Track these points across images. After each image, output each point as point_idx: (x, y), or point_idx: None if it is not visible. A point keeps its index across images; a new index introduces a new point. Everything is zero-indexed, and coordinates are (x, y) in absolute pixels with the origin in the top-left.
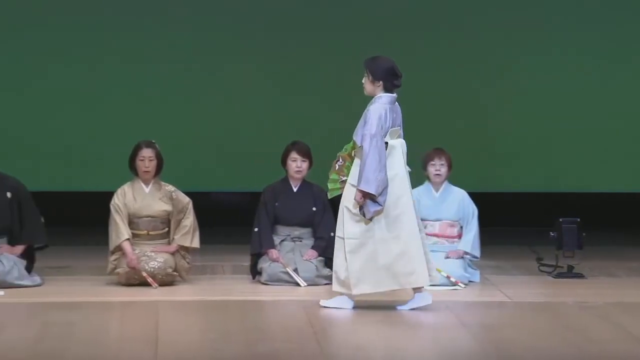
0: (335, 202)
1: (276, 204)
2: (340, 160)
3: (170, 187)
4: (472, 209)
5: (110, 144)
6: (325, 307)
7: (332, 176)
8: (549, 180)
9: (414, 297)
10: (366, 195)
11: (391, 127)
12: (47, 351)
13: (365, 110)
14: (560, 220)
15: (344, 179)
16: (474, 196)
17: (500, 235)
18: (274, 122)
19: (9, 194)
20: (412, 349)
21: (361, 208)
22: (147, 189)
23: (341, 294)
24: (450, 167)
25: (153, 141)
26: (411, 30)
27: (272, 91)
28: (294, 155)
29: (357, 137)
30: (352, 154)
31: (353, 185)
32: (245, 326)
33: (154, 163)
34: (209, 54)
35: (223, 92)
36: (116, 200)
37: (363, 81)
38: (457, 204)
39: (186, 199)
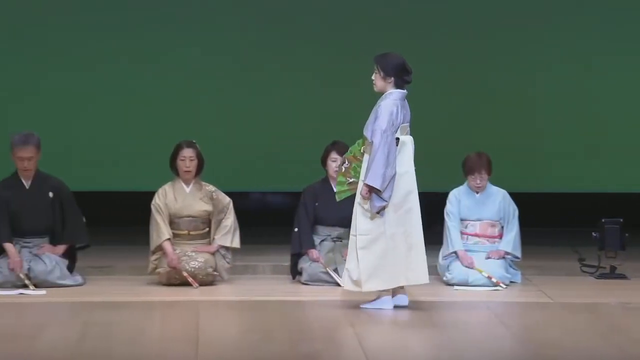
0: None
1: (316, 204)
2: (347, 162)
3: (211, 187)
4: (512, 209)
5: (151, 144)
6: (365, 309)
7: (339, 178)
8: (591, 180)
9: (381, 297)
10: (372, 190)
11: (401, 124)
12: (89, 351)
13: (376, 106)
14: (603, 220)
15: (350, 180)
16: (516, 196)
17: (541, 236)
18: (315, 122)
19: (51, 194)
20: (453, 350)
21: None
22: (187, 189)
23: (378, 296)
24: (490, 173)
25: (194, 141)
26: (459, 28)
27: (313, 91)
28: (333, 155)
29: (367, 133)
30: (362, 150)
31: (363, 182)
32: (286, 326)
33: (194, 163)
34: (247, 53)
35: (265, 91)
36: (157, 200)
37: (373, 77)
38: (497, 203)
39: (227, 199)
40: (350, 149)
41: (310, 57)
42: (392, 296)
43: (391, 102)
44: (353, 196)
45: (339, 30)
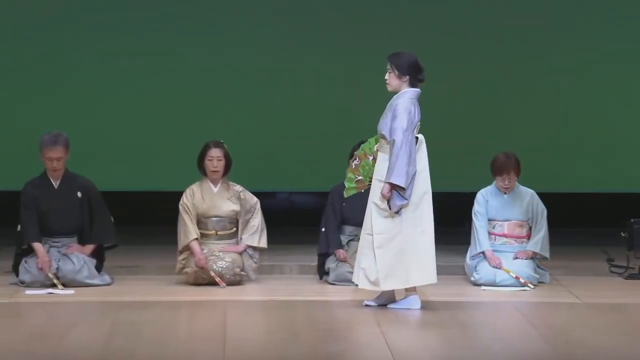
0: None
1: (343, 204)
2: (357, 159)
3: (239, 187)
4: (541, 209)
5: (180, 144)
6: (393, 308)
7: (349, 175)
8: (620, 180)
9: (408, 297)
10: (394, 188)
11: (417, 122)
12: (116, 350)
13: (391, 105)
14: (632, 220)
15: (359, 178)
16: (544, 196)
17: (570, 236)
18: (342, 123)
19: (79, 194)
20: (479, 350)
21: (388, 202)
22: (215, 189)
23: (405, 295)
24: (519, 174)
25: (222, 141)
26: (487, 27)
27: (340, 91)
28: None
29: (385, 131)
30: (375, 149)
31: (379, 181)
32: (312, 326)
33: (222, 163)
34: (278, 52)
35: (292, 91)
36: (185, 200)
37: (387, 77)
38: (525, 203)
39: (254, 199)
40: (362, 146)
41: (337, 57)
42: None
43: (408, 101)
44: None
45: (365, 29)
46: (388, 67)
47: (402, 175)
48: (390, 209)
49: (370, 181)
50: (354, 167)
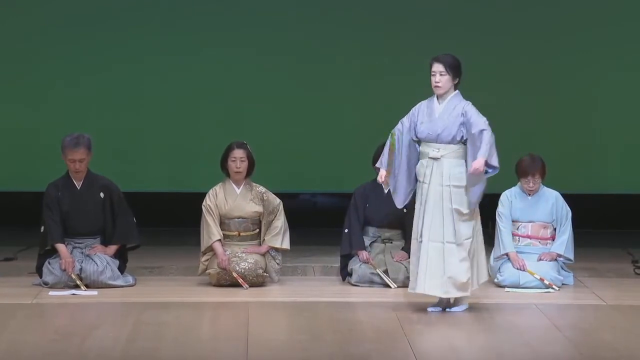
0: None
1: (367, 205)
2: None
3: (261, 188)
4: (566, 211)
5: (203, 145)
6: (452, 311)
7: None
8: None
9: (461, 302)
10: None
11: None
12: (139, 351)
13: (449, 110)
14: None
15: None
16: (568, 198)
17: (594, 238)
18: (366, 123)
19: (102, 195)
20: (505, 352)
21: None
22: (238, 190)
23: (456, 301)
24: (544, 176)
25: (245, 142)
26: (520, 28)
27: (364, 91)
28: None
29: (463, 133)
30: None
31: (456, 187)
32: (336, 327)
33: (245, 164)
34: (301, 52)
35: (316, 92)
36: (208, 201)
37: (438, 79)
38: (550, 205)
39: (277, 200)
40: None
41: (362, 57)
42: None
43: (466, 103)
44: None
45: (391, 29)
46: (441, 69)
47: (496, 158)
48: (473, 204)
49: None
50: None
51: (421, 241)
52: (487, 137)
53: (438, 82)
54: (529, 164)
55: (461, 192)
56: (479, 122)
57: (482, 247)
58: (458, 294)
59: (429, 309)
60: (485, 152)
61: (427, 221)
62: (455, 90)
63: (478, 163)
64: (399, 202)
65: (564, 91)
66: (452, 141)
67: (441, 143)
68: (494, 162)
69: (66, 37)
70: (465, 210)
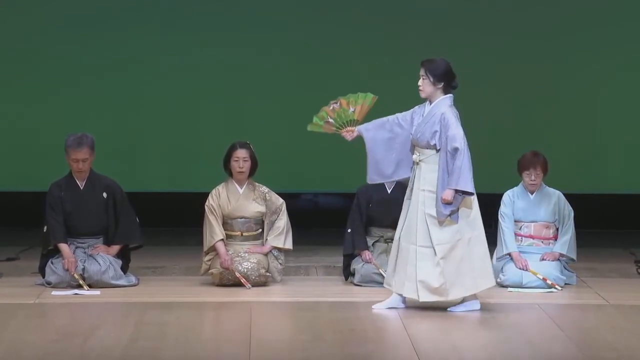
0: None
1: (369, 205)
2: (338, 103)
3: (264, 188)
4: (568, 211)
5: (205, 145)
6: (454, 312)
7: (322, 113)
8: None
9: (466, 301)
10: (459, 193)
11: None
12: (141, 351)
13: (431, 115)
14: None
15: (330, 120)
16: (571, 197)
17: (597, 238)
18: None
19: (104, 195)
20: (507, 351)
21: (437, 209)
22: (241, 190)
23: (463, 299)
24: (546, 172)
25: (247, 142)
26: (522, 29)
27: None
28: None
29: (432, 141)
30: (368, 104)
31: (430, 191)
32: (338, 327)
33: (248, 164)
34: (301, 52)
35: (318, 92)
36: (211, 201)
37: (420, 83)
38: (552, 205)
39: (280, 200)
40: (350, 94)
41: (363, 57)
42: (463, 301)
43: (450, 109)
44: None
45: (392, 29)
46: (422, 73)
47: (468, 181)
48: (449, 215)
49: (338, 129)
50: (331, 108)
51: (398, 241)
52: (459, 161)
53: (419, 86)
54: (530, 158)
55: (433, 197)
56: (456, 137)
57: (481, 252)
58: (434, 299)
59: (449, 310)
60: (456, 181)
61: (406, 223)
62: (444, 94)
63: (448, 194)
64: (368, 178)
65: (564, 91)
66: (427, 146)
67: (419, 147)
68: (467, 187)
69: (66, 37)
70: (437, 217)
